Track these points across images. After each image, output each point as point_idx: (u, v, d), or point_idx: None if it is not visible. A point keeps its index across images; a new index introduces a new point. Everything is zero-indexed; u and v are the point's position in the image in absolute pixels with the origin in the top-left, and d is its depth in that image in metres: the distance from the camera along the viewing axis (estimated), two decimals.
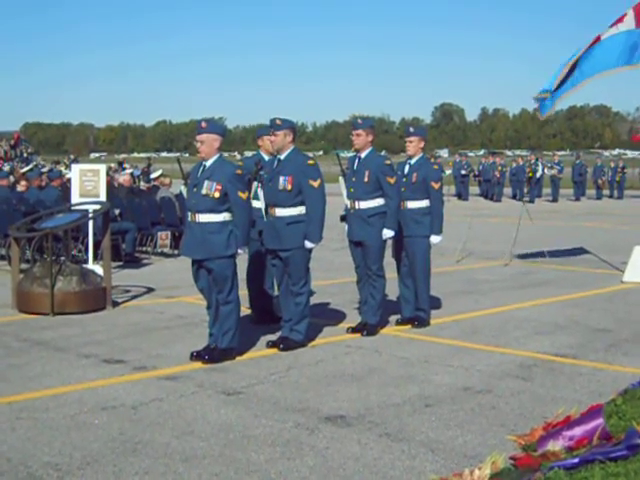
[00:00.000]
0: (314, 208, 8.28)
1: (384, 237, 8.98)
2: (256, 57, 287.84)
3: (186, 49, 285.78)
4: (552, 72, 13.38)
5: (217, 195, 7.73)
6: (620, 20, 12.90)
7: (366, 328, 9.04)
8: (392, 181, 8.93)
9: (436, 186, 9.43)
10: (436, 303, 10.80)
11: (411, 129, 9.80)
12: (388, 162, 9.11)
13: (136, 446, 5.52)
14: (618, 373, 7.45)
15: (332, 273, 12.11)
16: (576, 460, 2.40)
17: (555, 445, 2.70)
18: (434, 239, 9.44)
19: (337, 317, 9.98)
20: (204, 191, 7.77)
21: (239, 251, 7.84)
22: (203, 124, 7.92)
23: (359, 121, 9.22)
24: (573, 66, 13.09)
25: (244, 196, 7.81)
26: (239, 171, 7.95)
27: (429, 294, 9.64)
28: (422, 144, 9.58)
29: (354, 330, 9.09)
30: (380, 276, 9.05)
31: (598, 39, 13.03)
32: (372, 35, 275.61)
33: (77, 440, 5.63)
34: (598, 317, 10.14)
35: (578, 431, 2.75)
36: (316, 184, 8.29)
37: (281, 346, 8.32)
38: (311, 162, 8.47)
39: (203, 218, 7.79)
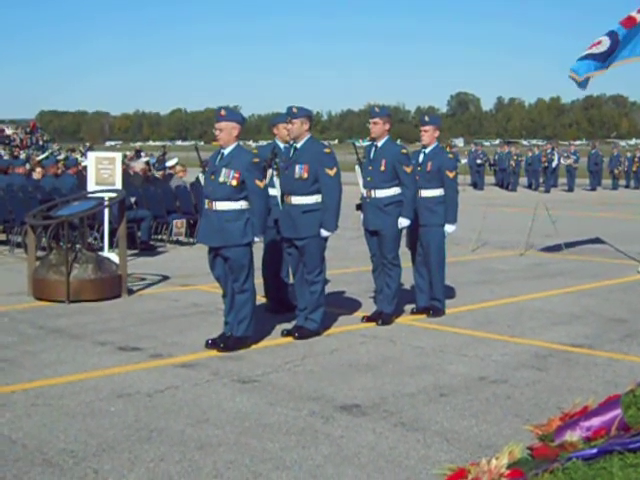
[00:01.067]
0: (330, 196, 8.27)
1: (400, 226, 8.95)
2: (272, 45, 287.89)
3: (202, 37, 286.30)
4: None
5: (235, 183, 7.73)
6: None
7: (381, 317, 9.03)
8: (409, 170, 8.91)
9: (451, 175, 9.39)
10: (451, 293, 10.78)
11: (426, 118, 9.79)
12: (404, 151, 9.08)
13: (151, 433, 5.54)
14: (634, 363, 7.43)
15: (347, 262, 12.10)
16: (594, 451, 2.39)
17: (573, 436, 2.69)
18: (449, 228, 9.41)
19: (352, 306, 9.97)
20: (222, 179, 7.77)
21: (255, 239, 7.83)
22: (222, 112, 7.93)
23: (376, 109, 9.20)
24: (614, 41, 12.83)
25: (261, 184, 7.80)
26: (256, 159, 7.94)
27: (444, 283, 9.62)
28: (437, 133, 9.55)
29: (369, 319, 9.08)
30: (396, 265, 9.03)
31: (630, 20, 12.75)
32: (388, 24, 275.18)
33: (93, 427, 5.65)
34: (614, 307, 10.11)
35: (596, 422, 2.73)
36: (332, 172, 8.28)
37: (296, 335, 8.33)
38: (327, 150, 8.46)
39: (220, 206, 7.79)
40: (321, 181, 8.27)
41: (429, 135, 9.53)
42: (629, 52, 12.84)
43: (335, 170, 8.32)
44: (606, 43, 12.77)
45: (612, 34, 12.80)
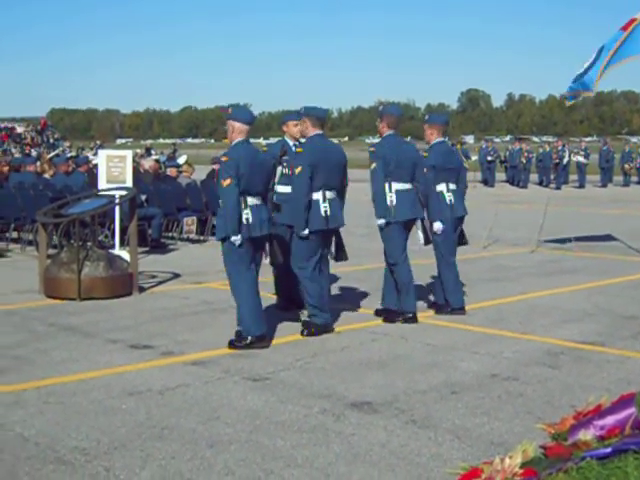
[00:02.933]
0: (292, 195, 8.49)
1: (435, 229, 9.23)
2: (282, 43, 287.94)
3: (213, 33, 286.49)
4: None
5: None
6: None
7: (383, 314, 9.10)
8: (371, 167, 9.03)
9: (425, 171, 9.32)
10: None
11: (426, 117, 9.99)
12: (372, 149, 9.14)
13: (162, 431, 5.54)
14: None
15: (359, 259, 12.07)
16: (609, 450, 2.37)
17: (586, 434, 2.67)
18: (435, 226, 9.33)
19: (363, 303, 9.96)
20: None
21: (231, 238, 7.82)
22: (228, 110, 8.17)
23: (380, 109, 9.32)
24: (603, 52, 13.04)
25: (224, 183, 7.83)
26: (224, 157, 8.02)
27: (452, 281, 9.53)
28: (433, 131, 9.56)
29: (376, 312, 9.16)
30: (394, 264, 8.98)
31: (632, 21, 12.87)
32: (399, 21, 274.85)
33: (104, 425, 5.66)
34: (625, 304, 10.07)
35: (610, 420, 2.72)
36: (296, 171, 8.38)
37: (304, 332, 8.36)
38: (298, 150, 8.62)
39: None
40: None
41: (427, 134, 9.65)
42: (630, 51, 12.89)
43: (299, 169, 8.33)
44: (590, 60, 13.07)
45: (599, 50, 13.04)
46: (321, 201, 8.35)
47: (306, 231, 8.29)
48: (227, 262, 7.97)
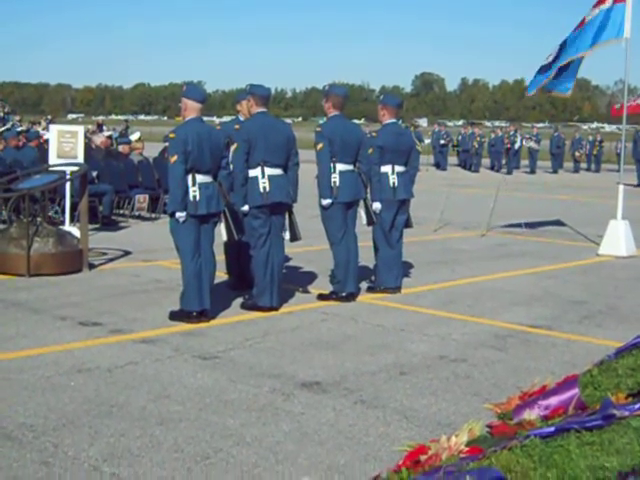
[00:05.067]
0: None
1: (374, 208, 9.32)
2: (237, 20, 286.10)
3: (167, 10, 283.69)
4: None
5: None
6: (602, 1, 13.01)
7: (326, 295, 9.22)
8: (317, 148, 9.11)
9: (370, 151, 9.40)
10: (412, 272, 10.86)
11: (380, 97, 10.14)
12: (318, 129, 9.24)
13: (111, 409, 5.53)
14: (591, 344, 7.52)
15: (310, 240, 12.09)
16: (552, 429, 2.42)
17: (531, 414, 2.73)
18: (374, 205, 9.40)
19: (314, 284, 9.99)
20: None
21: (177, 215, 7.88)
22: (183, 87, 8.28)
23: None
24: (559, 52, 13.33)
25: (171, 159, 7.89)
26: (171, 134, 8.05)
27: (382, 260, 9.63)
28: (385, 112, 9.62)
29: (320, 296, 9.24)
30: (333, 244, 9.14)
31: (584, 21, 13.17)
32: (354, 2, 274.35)
33: (52, 401, 5.63)
34: (573, 289, 10.22)
35: (554, 401, 2.78)
36: (232, 148, 8.55)
37: (242, 305, 8.67)
38: (236, 127, 8.94)
39: None
40: None
41: (380, 115, 9.75)
42: (576, 50, 13.16)
43: (234, 145, 8.50)
44: (552, 55, 13.33)
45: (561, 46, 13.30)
46: (259, 177, 8.39)
47: (245, 207, 8.36)
48: (174, 237, 8.07)
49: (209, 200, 7.94)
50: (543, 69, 13.57)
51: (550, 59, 13.42)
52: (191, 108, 8.07)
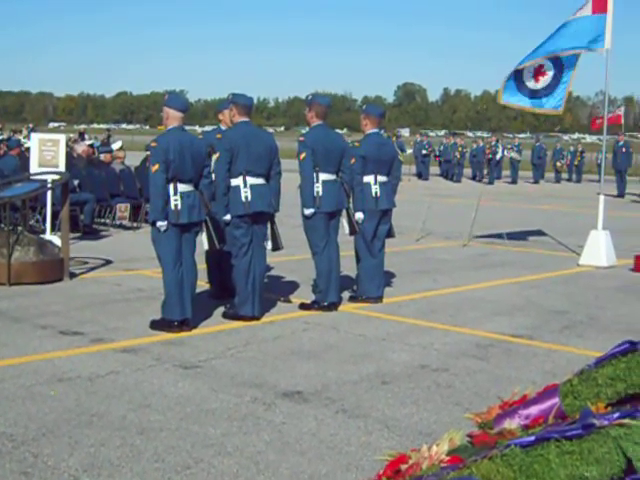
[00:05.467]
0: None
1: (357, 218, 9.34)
2: (219, 29, 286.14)
3: (150, 19, 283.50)
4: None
5: None
6: (581, 9, 13.11)
7: (307, 304, 9.22)
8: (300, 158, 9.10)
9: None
10: (394, 281, 10.87)
11: (363, 107, 10.20)
12: (301, 138, 9.26)
13: (92, 418, 5.50)
14: (572, 354, 7.55)
15: (292, 249, 12.08)
16: (532, 438, 2.43)
17: (511, 423, 2.74)
18: (357, 215, 9.39)
19: (295, 293, 9.99)
20: None
21: (158, 224, 7.87)
22: (165, 97, 8.26)
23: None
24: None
25: (153, 169, 7.89)
26: (153, 143, 8.04)
27: (364, 270, 9.65)
28: (367, 122, 9.65)
29: (302, 306, 9.23)
30: (315, 253, 9.14)
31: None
32: (336, 11, 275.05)
33: (32, 411, 5.60)
34: (554, 299, 10.25)
35: (534, 410, 2.79)
36: (214, 157, 8.56)
37: (223, 315, 8.66)
38: (218, 136, 8.88)
39: None
40: None
41: (362, 124, 9.80)
42: (568, 43, 13.18)
43: (216, 155, 8.52)
44: (546, 80, 13.34)
45: (557, 65, 13.30)
46: (241, 187, 8.39)
47: (227, 216, 8.36)
48: (155, 246, 8.06)
49: (190, 209, 7.93)
50: (519, 77, 13.55)
51: (542, 84, 13.47)
52: (173, 117, 8.07)
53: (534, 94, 13.66)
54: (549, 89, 13.55)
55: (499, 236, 15.72)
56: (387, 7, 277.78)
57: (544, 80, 13.53)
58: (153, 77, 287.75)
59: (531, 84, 13.59)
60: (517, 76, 13.57)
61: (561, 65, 13.40)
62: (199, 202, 8.05)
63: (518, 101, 13.84)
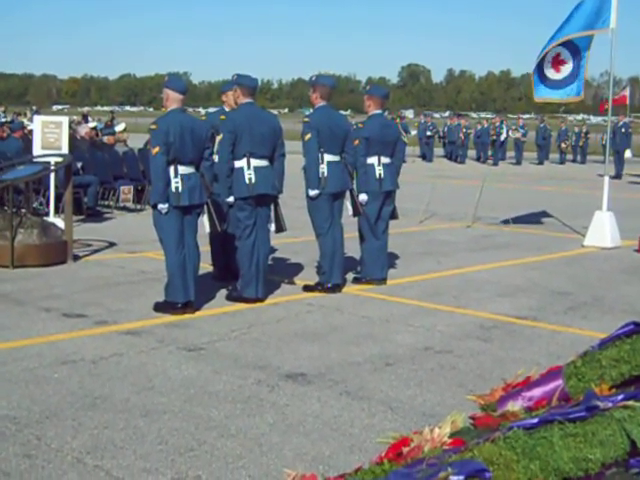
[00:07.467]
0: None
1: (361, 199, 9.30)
2: (222, 11, 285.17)
3: (152, 1, 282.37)
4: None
5: None
6: None
7: (311, 286, 9.19)
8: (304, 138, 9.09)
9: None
10: (398, 263, 10.85)
11: (367, 88, 10.15)
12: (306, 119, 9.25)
13: (95, 400, 5.51)
14: (576, 336, 7.53)
15: (296, 231, 12.07)
16: (535, 420, 2.42)
17: (514, 405, 2.72)
18: (360, 197, 9.39)
19: (299, 275, 9.97)
20: None
21: (159, 206, 7.86)
22: (165, 78, 8.29)
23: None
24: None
25: (153, 151, 7.86)
26: (153, 126, 8.01)
27: (367, 252, 9.62)
28: (371, 103, 9.60)
29: (305, 288, 9.21)
30: (319, 235, 9.12)
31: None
32: None
33: (36, 394, 5.60)
34: (558, 280, 10.23)
35: (537, 392, 2.77)
36: (218, 139, 8.55)
37: (227, 297, 8.65)
38: (221, 117, 8.89)
39: None
40: None
41: (365, 105, 9.73)
42: (579, 27, 13.11)
43: (219, 137, 8.49)
44: (567, 69, 13.28)
45: (573, 50, 13.24)
46: (245, 168, 8.36)
47: (230, 198, 8.34)
48: (157, 229, 8.04)
49: (192, 191, 7.91)
50: (541, 69, 13.53)
51: (564, 73, 13.44)
52: (173, 99, 8.05)
53: (560, 84, 13.61)
54: (572, 77, 13.50)
55: (505, 222, 15.65)
56: None
57: (565, 69, 13.48)
58: (157, 59, 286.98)
59: (550, 73, 13.52)
60: (540, 69, 13.53)
61: (576, 49, 13.33)
62: (200, 184, 8.03)
63: (549, 94, 13.78)
